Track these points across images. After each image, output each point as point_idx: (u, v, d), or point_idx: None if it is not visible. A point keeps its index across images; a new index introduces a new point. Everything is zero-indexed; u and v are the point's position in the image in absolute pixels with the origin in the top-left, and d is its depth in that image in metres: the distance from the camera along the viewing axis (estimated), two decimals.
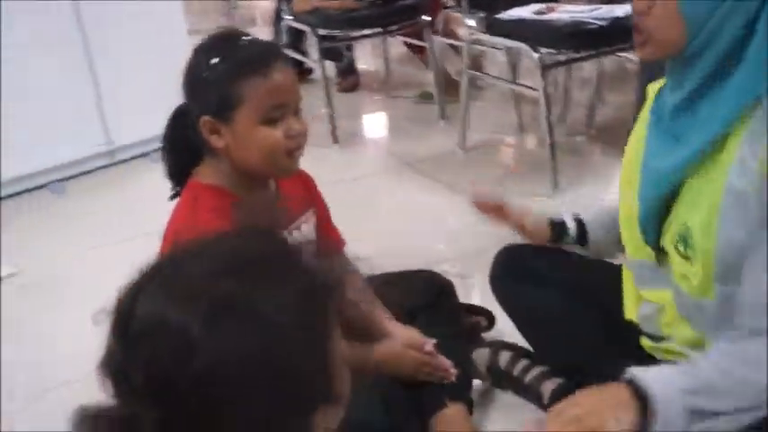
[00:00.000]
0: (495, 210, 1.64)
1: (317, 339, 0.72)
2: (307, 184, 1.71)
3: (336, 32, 3.36)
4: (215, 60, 1.45)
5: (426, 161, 3.05)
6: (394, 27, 3.54)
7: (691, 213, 1.23)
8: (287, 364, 0.68)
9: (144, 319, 0.68)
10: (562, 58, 2.74)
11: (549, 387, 1.62)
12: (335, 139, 3.39)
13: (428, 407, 1.61)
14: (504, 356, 1.73)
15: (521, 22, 2.64)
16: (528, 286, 1.65)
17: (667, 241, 1.28)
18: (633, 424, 1.13)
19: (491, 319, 1.92)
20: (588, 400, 1.20)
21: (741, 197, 1.15)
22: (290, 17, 3.58)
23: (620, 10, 2.55)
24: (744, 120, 1.16)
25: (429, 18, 3.48)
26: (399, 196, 2.81)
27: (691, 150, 1.21)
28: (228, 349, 0.66)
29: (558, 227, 1.64)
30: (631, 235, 1.37)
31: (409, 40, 3.77)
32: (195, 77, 1.47)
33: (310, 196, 1.70)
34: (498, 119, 3.44)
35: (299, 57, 3.74)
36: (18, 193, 3.17)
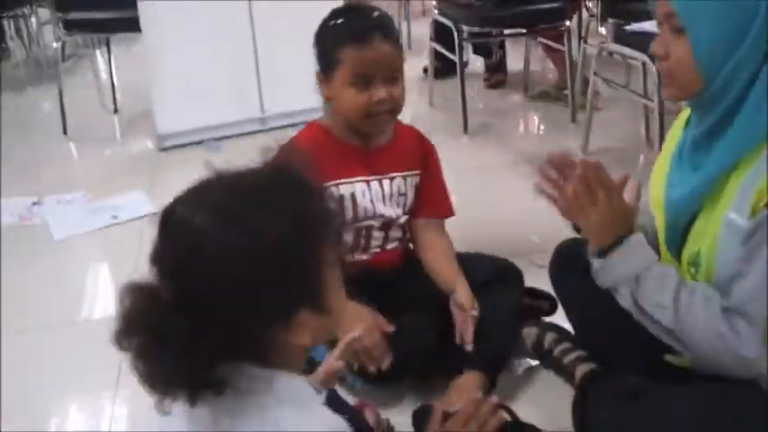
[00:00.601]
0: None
1: (303, 255, 0.92)
2: (425, 150, 1.92)
3: (476, 29, 3.49)
4: (332, 24, 1.72)
5: (542, 160, 3.11)
6: (538, 28, 3.65)
7: (699, 242, 1.33)
8: (271, 266, 0.89)
9: (177, 219, 0.92)
10: None
11: (582, 370, 1.72)
12: (465, 130, 3.56)
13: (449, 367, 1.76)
14: (550, 337, 1.86)
15: (644, 34, 2.71)
16: (575, 277, 1.70)
17: (684, 262, 1.38)
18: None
19: (553, 305, 2.01)
20: None
21: (735, 229, 1.24)
22: (437, 10, 3.76)
23: None
24: (751, 157, 1.24)
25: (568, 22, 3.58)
26: (511, 189, 2.92)
27: (703, 181, 1.30)
28: (228, 248, 0.88)
29: None
30: (661, 247, 1.47)
31: (548, 42, 3.85)
32: (317, 36, 1.75)
33: (422, 161, 1.90)
34: (627, 128, 3.48)
35: (441, 50, 3.91)
36: (177, 146, 3.51)
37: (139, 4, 3.42)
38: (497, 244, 2.19)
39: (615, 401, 1.48)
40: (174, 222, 0.92)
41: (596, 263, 1.38)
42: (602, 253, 1.36)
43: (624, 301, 1.36)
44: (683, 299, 1.29)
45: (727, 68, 1.24)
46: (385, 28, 1.72)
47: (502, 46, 4.20)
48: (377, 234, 1.85)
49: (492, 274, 1.89)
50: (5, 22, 5.57)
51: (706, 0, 1.24)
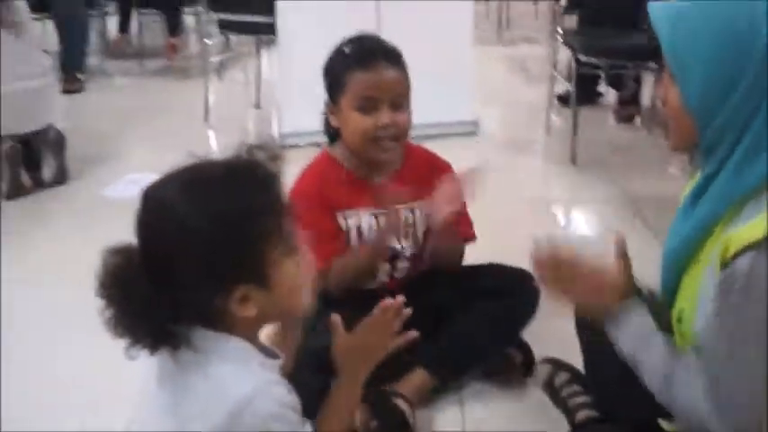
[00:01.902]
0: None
1: (244, 236, 1.08)
2: (437, 175, 1.86)
3: (593, 60, 3.45)
4: (340, 52, 1.79)
5: (648, 201, 3.05)
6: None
7: (685, 296, 1.30)
8: (214, 240, 1.06)
9: (150, 193, 1.11)
10: None
11: (582, 415, 1.72)
12: (574, 161, 3.53)
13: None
14: (562, 377, 1.83)
15: None
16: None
17: (674, 317, 1.34)
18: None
19: (528, 359, 1.96)
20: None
21: (709, 284, 1.20)
22: (559, 37, 3.77)
23: None
24: (734, 210, 1.19)
25: None
26: (597, 224, 2.90)
27: (690, 232, 1.26)
28: (182, 220, 1.06)
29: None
30: None
31: None
32: (326, 65, 1.82)
33: (433, 186, 1.84)
34: None
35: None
36: (296, 146, 3.56)
37: (277, 11, 3.68)
38: None
39: None
40: (148, 195, 1.11)
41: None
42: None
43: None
44: (673, 378, 1.28)
45: (718, 120, 1.19)
46: (390, 55, 1.77)
47: (637, 79, 4.12)
48: (382, 266, 1.86)
49: (501, 284, 1.90)
50: (186, 18, 6.10)
51: (695, 48, 1.19)
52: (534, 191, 3.15)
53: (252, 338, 1.17)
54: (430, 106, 3.60)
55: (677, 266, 1.31)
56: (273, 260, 1.11)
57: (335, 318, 1.34)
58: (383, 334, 1.33)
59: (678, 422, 1.33)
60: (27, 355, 2.11)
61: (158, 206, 1.09)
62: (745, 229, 1.14)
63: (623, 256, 1.44)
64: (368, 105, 1.73)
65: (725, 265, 1.15)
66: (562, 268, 1.40)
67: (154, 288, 1.05)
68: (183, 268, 1.07)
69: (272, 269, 1.11)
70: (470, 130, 3.98)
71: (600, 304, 1.38)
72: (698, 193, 1.28)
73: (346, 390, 1.32)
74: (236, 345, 1.13)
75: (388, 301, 1.33)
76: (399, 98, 1.75)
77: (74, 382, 1.99)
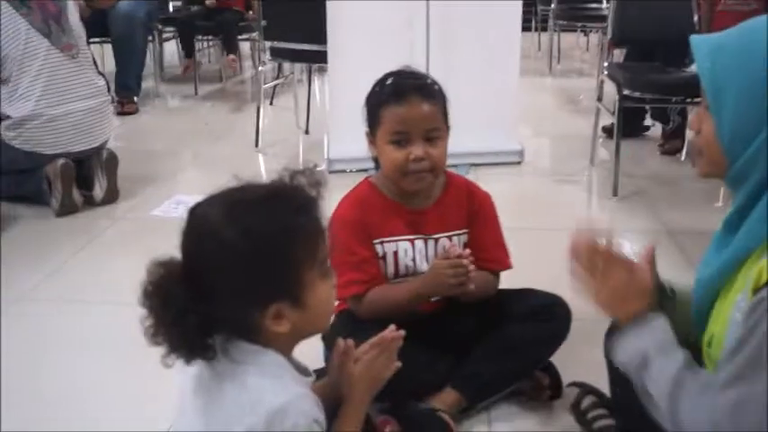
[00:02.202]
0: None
1: (281, 256, 1.14)
2: (474, 206, 1.93)
3: (636, 93, 3.46)
4: (378, 86, 1.85)
5: (689, 233, 3.03)
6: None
7: (716, 324, 1.31)
8: (252, 259, 1.13)
9: (196, 212, 1.18)
10: None
11: None
12: (615, 192, 3.53)
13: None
14: (588, 400, 1.85)
15: None
16: None
17: (704, 344, 1.35)
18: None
19: (555, 383, 1.97)
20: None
21: (740, 310, 1.21)
22: (605, 71, 3.78)
23: None
24: None
25: None
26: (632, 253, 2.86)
27: (723, 263, 1.28)
28: (222, 239, 1.13)
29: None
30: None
31: None
32: (366, 97, 1.87)
33: (470, 218, 1.93)
34: None
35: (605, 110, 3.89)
36: (343, 171, 3.71)
37: (329, 39, 3.76)
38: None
39: None
40: (193, 214, 1.17)
41: (610, 341, 1.41)
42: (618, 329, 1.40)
43: (635, 381, 1.36)
44: (682, 388, 1.27)
45: (749, 152, 1.21)
46: (425, 89, 1.80)
47: (683, 113, 4.10)
48: None
49: (533, 308, 1.91)
50: (240, 45, 6.27)
51: (731, 81, 1.22)
52: (572, 221, 3.15)
53: (286, 353, 1.23)
54: (476, 135, 3.69)
55: (710, 295, 1.33)
56: (308, 281, 1.17)
57: (349, 343, 1.40)
58: (388, 360, 1.41)
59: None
60: (75, 374, 2.15)
61: (201, 223, 1.16)
62: None
63: (651, 262, 1.47)
64: (401, 139, 1.78)
65: (757, 290, 1.17)
66: (596, 258, 1.42)
67: (191, 300, 1.11)
68: (221, 283, 1.13)
69: (306, 289, 1.17)
70: (516, 159, 4.01)
71: (627, 305, 1.39)
72: (731, 224, 1.30)
73: (354, 415, 1.37)
74: (272, 358, 1.18)
75: (389, 332, 1.42)
76: (433, 132, 1.79)
77: (120, 401, 2.01)
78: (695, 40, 1.30)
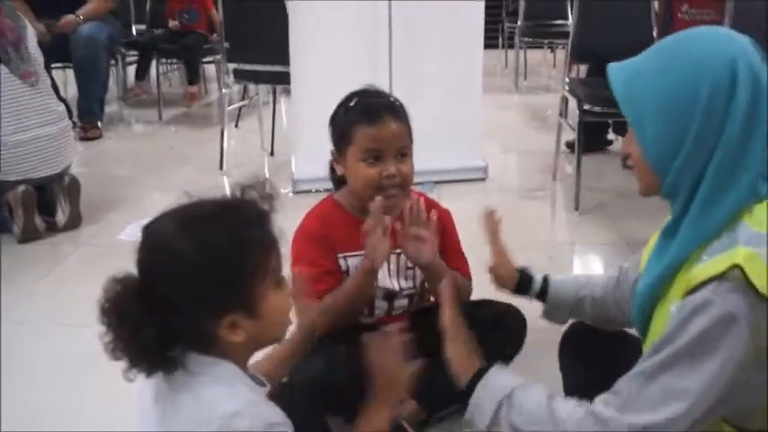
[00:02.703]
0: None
1: (234, 268, 1.15)
2: (439, 221, 1.92)
3: (596, 108, 3.50)
4: (345, 106, 1.87)
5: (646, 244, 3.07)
6: None
7: (654, 334, 1.34)
8: (205, 271, 1.13)
9: (150, 227, 1.19)
10: None
11: None
12: (576, 206, 3.58)
13: None
14: None
15: None
16: (578, 363, 1.78)
17: (644, 352, 1.36)
18: None
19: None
20: None
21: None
22: (567, 87, 3.82)
23: None
24: (701, 249, 1.24)
25: None
26: (590, 268, 2.91)
27: (660, 271, 1.31)
28: (175, 251, 1.14)
29: (524, 278, 1.80)
30: None
31: None
32: (332, 117, 1.90)
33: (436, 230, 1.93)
34: None
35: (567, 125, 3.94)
36: (309, 191, 3.72)
37: (291, 60, 3.78)
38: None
39: None
40: (147, 230, 1.19)
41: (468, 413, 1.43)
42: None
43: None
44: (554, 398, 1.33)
45: (675, 166, 1.25)
46: (393, 108, 1.84)
47: None
48: (380, 304, 1.94)
49: (491, 317, 1.94)
50: (205, 67, 6.27)
51: (650, 104, 1.26)
52: (535, 235, 3.20)
53: (242, 364, 1.25)
54: (440, 152, 3.72)
55: (648, 304, 1.36)
56: (261, 291, 1.18)
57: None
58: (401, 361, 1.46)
59: None
60: (42, 397, 2.15)
61: (155, 237, 1.17)
62: (707, 265, 1.19)
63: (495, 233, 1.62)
64: (373, 157, 1.81)
65: (686, 297, 1.20)
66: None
67: (147, 313, 1.12)
68: (175, 295, 1.14)
69: (260, 300, 1.18)
70: (480, 176, 4.05)
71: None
72: (669, 234, 1.34)
73: (382, 414, 1.42)
74: (226, 369, 1.20)
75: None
76: (403, 149, 1.83)
77: (90, 422, 2.01)
78: (612, 68, 1.34)
